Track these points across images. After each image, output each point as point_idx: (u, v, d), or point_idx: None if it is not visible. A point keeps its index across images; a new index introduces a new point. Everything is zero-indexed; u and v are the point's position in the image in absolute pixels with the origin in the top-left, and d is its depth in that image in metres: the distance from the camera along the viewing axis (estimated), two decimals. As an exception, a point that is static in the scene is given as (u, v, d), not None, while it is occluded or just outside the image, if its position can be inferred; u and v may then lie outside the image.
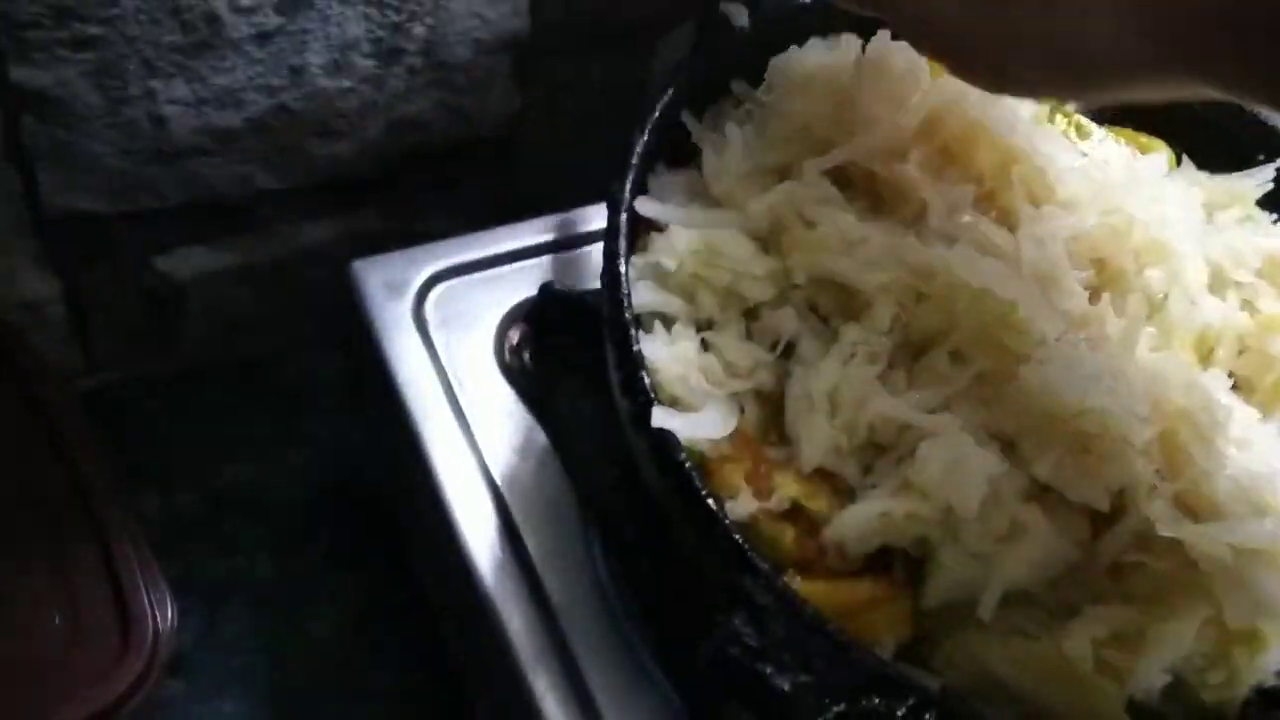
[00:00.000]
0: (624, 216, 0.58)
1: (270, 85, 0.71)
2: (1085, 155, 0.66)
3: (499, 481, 0.66)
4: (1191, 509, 0.51)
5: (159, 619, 0.65)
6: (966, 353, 0.55)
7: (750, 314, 0.59)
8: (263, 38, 0.67)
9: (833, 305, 0.58)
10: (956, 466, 0.50)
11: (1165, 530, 0.50)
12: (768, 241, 0.59)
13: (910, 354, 0.56)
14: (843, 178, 0.62)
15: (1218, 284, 0.62)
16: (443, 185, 0.87)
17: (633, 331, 0.54)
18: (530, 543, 0.64)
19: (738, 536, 0.49)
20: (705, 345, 0.57)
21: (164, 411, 0.87)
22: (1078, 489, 0.52)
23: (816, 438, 0.53)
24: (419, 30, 0.72)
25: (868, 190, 0.62)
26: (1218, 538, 0.49)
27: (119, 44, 0.63)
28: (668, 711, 0.60)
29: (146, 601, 0.65)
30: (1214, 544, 0.49)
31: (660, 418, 0.52)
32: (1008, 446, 0.53)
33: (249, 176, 0.76)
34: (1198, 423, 0.52)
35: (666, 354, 0.55)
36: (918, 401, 0.54)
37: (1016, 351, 0.53)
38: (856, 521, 0.51)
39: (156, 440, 0.86)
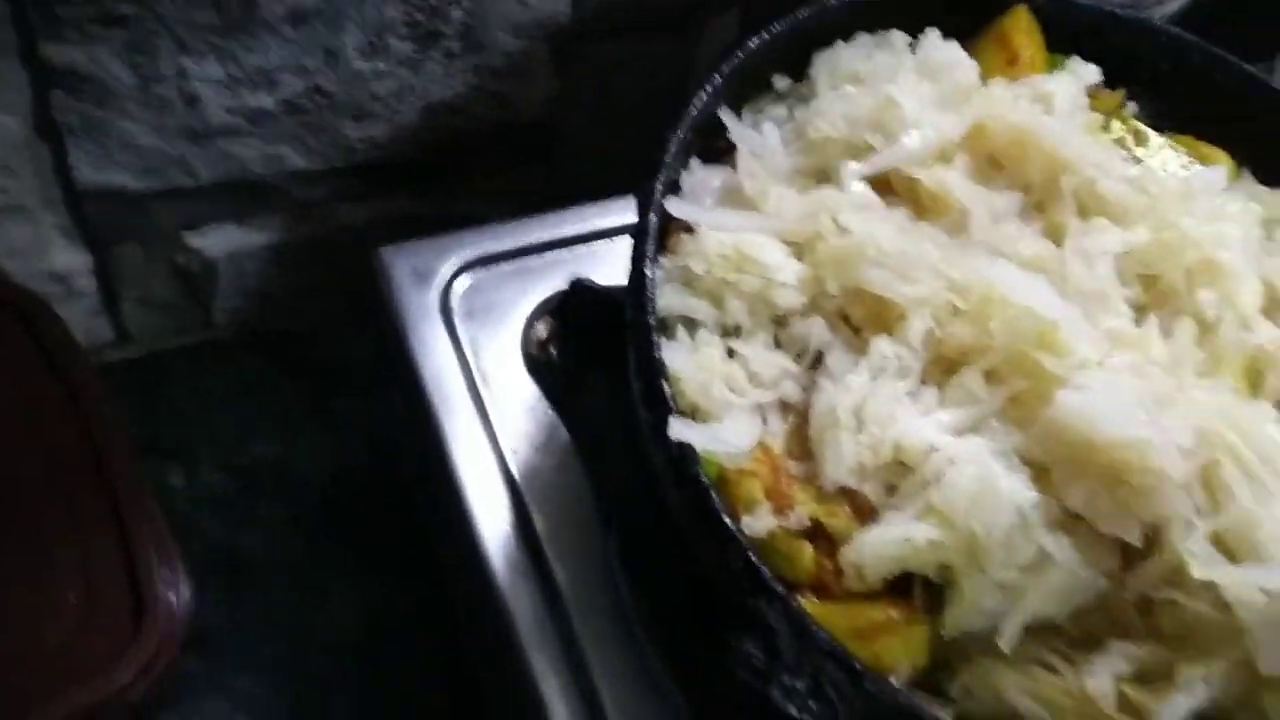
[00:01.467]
0: (652, 217, 0.56)
1: (304, 66, 0.70)
2: (1140, 163, 0.63)
3: (518, 478, 0.65)
4: (1229, 549, 0.49)
5: (174, 601, 0.65)
6: (1001, 373, 0.53)
7: (779, 322, 0.57)
8: (297, 18, 0.66)
9: (865, 316, 0.56)
10: (984, 494, 0.48)
11: (1200, 572, 0.47)
12: (801, 248, 0.57)
13: (942, 370, 0.54)
14: (883, 183, 0.60)
15: (1272, 306, 0.59)
16: (482, 171, 0.85)
17: (655, 338, 0.52)
18: (545, 540, 0.63)
19: (753, 557, 0.48)
20: (730, 353, 0.55)
21: (192, 386, 0.87)
22: (1110, 522, 0.49)
23: (841, 455, 0.51)
24: (457, 14, 0.71)
25: (909, 197, 0.60)
26: (1256, 583, 0.46)
27: (150, 22, 0.63)
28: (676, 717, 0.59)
29: (161, 584, 0.65)
30: (1251, 589, 0.46)
31: (678, 429, 0.50)
32: (1039, 472, 0.51)
33: (282, 157, 0.76)
34: (1243, 458, 0.50)
35: (689, 361, 0.54)
36: (947, 422, 0.52)
37: (1054, 374, 0.51)
38: (877, 545, 0.49)
39: (184, 415, 0.86)
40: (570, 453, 0.67)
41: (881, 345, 0.54)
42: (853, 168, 0.59)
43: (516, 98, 0.80)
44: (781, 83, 0.65)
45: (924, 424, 0.51)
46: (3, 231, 0.71)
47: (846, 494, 0.52)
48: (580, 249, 0.75)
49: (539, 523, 0.64)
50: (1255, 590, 0.46)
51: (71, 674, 0.61)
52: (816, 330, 0.55)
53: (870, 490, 0.51)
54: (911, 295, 0.54)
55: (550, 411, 0.68)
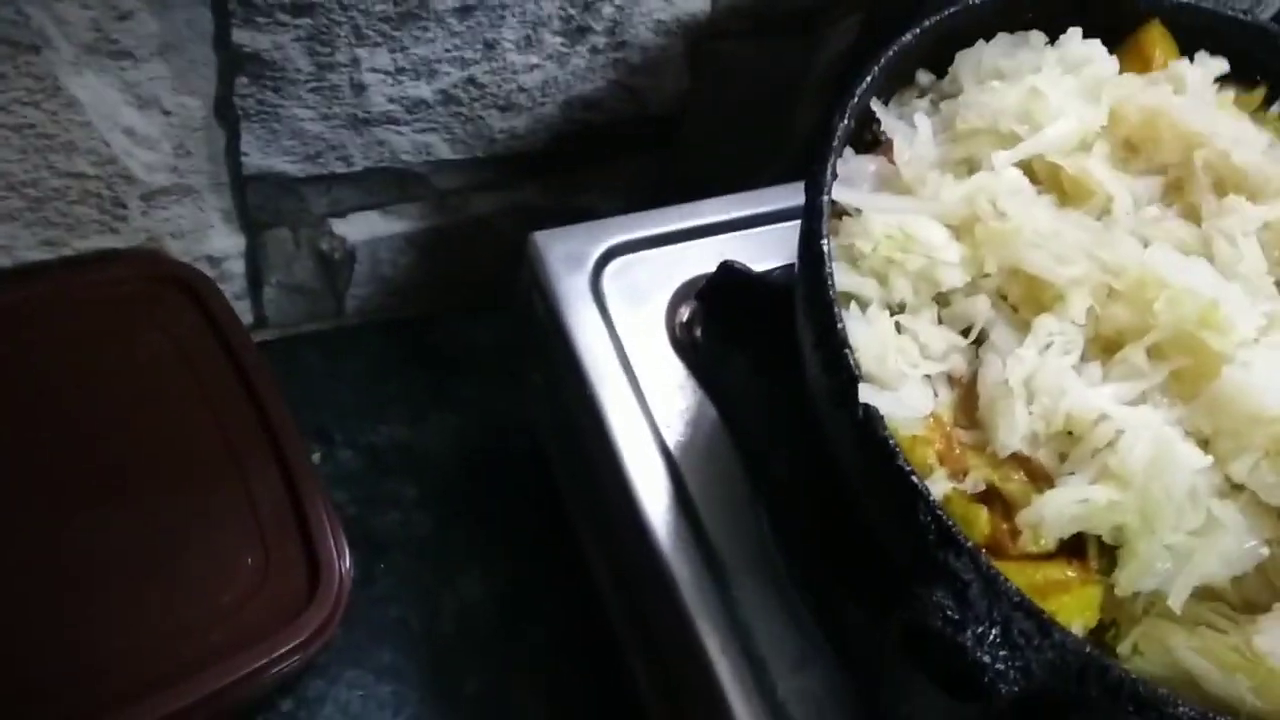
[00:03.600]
0: (825, 199, 0.59)
1: (464, 58, 0.73)
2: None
3: (673, 451, 0.68)
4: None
5: (342, 569, 0.68)
6: (1164, 349, 0.55)
7: (941, 300, 0.60)
8: (465, 11, 0.70)
9: (1023, 296, 0.59)
10: (1161, 458, 0.51)
11: None
12: (959, 230, 0.60)
13: (1102, 348, 0.57)
14: (1027, 172, 0.63)
15: None
16: (604, 163, 0.89)
17: (837, 310, 0.55)
18: (702, 509, 0.67)
19: (941, 511, 0.51)
20: (899, 328, 0.58)
21: (322, 370, 0.91)
22: (1274, 492, 0.52)
23: (1014, 423, 0.54)
24: (608, 9, 0.74)
25: (1051, 185, 0.63)
26: None
27: (335, 11, 0.66)
28: (836, 680, 0.62)
29: (333, 548, 0.68)
30: None
31: (867, 394, 0.53)
32: (1203, 444, 0.54)
33: (430, 146, 0.79)
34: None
35: (866, 334, 0.56)
36: (1114, 394, 0.55)
37: (1218, 351, 0.54)
38: (1058, 506, 0.52)
39: (316, 398, 0.89)
40: (719, 427, 0.70)
41: (1047, 322, 0.57)
42: (1002, 156, 0.62)
43: (649, 93, 0.83)
44: (924, 78, 0.68)
45: (1094, 394, 0.54)
46: (170, 212, 0.74)
47: (1019, 461, 0.55)
48: (717, 237, 0.78)
49: (695, 493, 0.67)
50: None
51: (250, 633, 0.65)
52: (981, 307, 0.58)
53: (1044, 456, 0.54)
54: (1068, 276, 0.57)
55: (698, 388, 0.71)
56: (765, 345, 0.69)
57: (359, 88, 0.72)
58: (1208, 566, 0.52)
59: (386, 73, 0.71)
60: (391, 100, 0.74)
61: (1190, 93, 0.65)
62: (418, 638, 0.81)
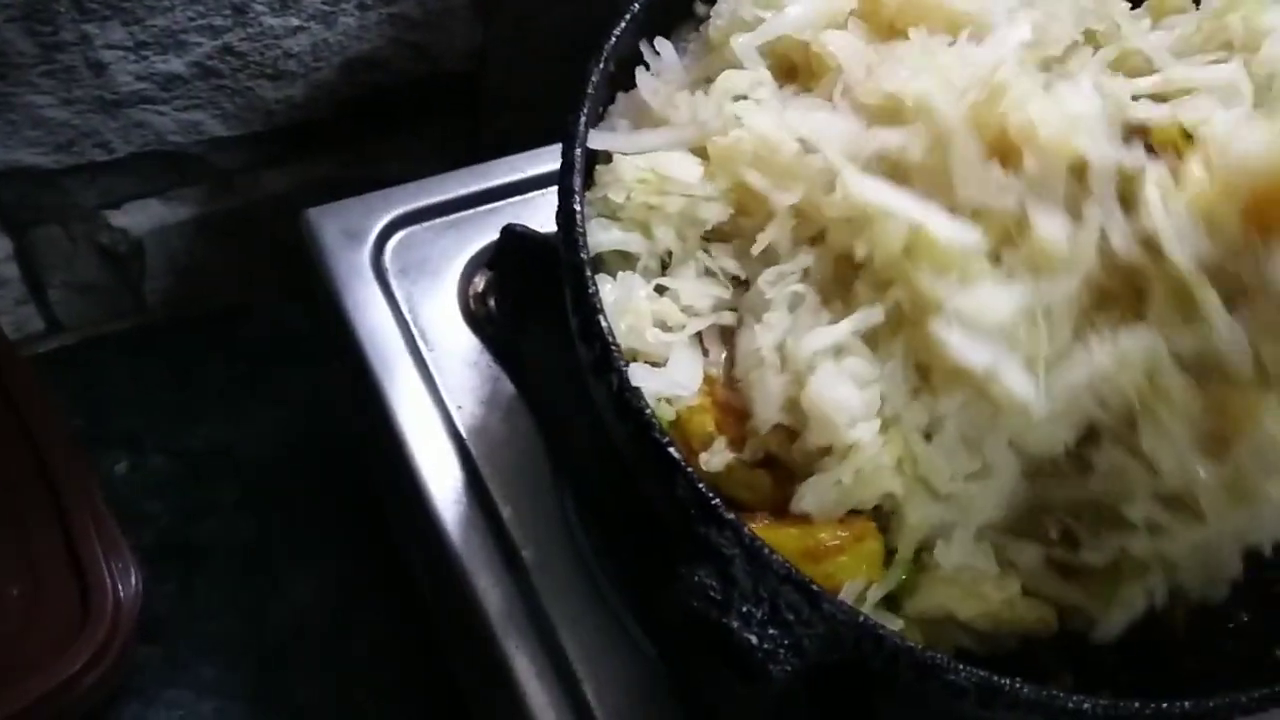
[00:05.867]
0: (577, 151, 0.54)
1: (213, 25, 0.67)
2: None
3: (464, 434, 0.64)
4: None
5: (120, 587, 0.64)
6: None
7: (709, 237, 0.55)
8: (199, -26, 0.64)
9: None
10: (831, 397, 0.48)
11: None
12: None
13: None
14: (789, 66, 0.58)
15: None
16: (406, 127, 0.83)
17: (588, 274, 0.51)
18: (498, 496, 0.62)
19: (701, 485, 0.46)
20: (661, 290, 0.54)
21: (130, 372, 0.85)
22: None
23: (768, 395, 0.50)
24: (367, -39, 0.69)
25: (808, 70, 0.58)
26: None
27: (44, -14, 0.60)
28: (643, 665, 0.58)
29: (106, 570, 0.63)
30: None
31: (637, 375, 0.49)
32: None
33: (199, 124, 0.73)
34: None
35: (617, 305, 0.52)
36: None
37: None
38: (816, 495, 0.49)
39: (124, 402, 0.83)
40: (517, 404, 0.65)
41: (769, 274, 0.52)
42: (741, 40, 0.57)
43: (437, 49, 0.78)
44: (702, 9, 0.63)
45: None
46: (-89, 223, 0.69)
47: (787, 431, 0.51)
48: (514, 199, 0.73)
49: (489, 477, 0.62)
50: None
51: (19, 666, 0.60)
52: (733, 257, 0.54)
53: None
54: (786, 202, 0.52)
55: (493, 364, 0.66)
56: (561, 309, 0.64)
57: (98, 67, 0.66)
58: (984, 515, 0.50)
59: (125, 48, 0.66)
60: (140, 78, 0.68)
61: None
62: (243, 649, 0.76)
